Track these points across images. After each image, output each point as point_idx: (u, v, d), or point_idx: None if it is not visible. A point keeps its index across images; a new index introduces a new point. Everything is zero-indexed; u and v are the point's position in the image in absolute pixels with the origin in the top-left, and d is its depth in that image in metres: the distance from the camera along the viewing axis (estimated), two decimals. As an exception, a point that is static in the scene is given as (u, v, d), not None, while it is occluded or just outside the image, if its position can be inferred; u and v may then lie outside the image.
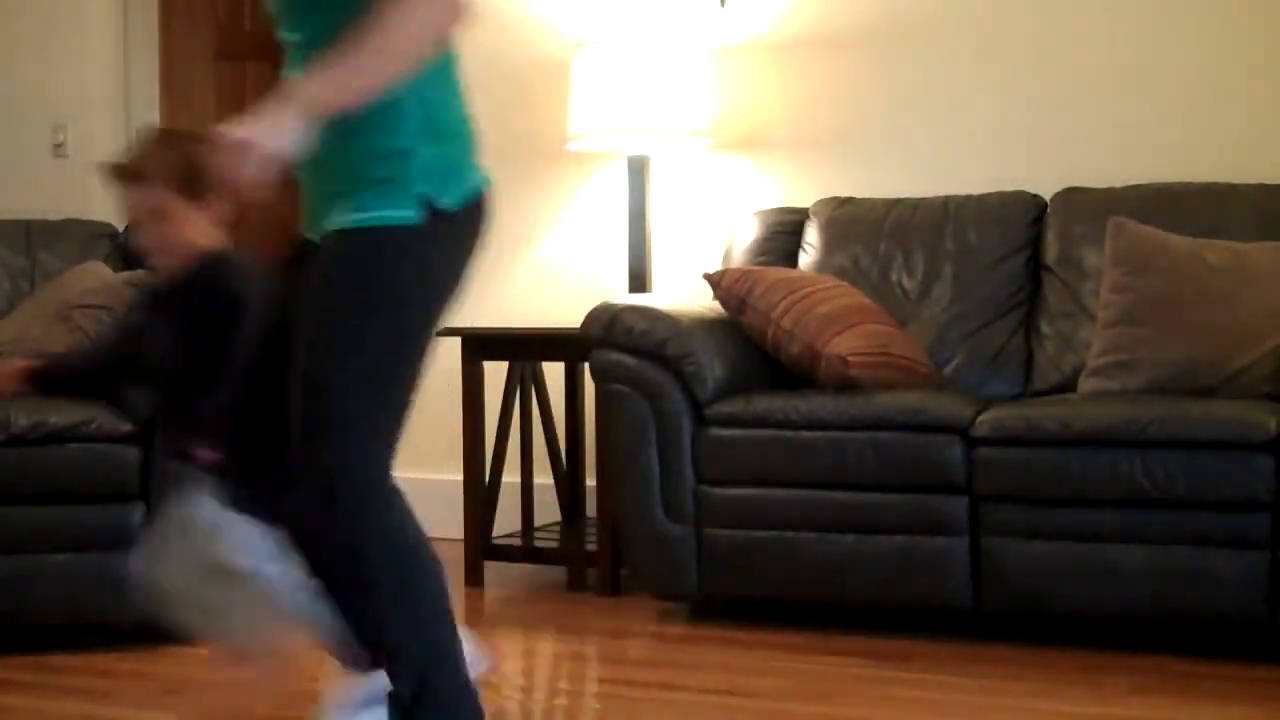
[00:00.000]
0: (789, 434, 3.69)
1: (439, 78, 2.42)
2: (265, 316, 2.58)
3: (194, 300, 2.65)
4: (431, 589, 2.41)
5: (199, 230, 2.67)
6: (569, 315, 4.42)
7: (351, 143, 2.32)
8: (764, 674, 3.36)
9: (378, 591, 2.36)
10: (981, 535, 3.54)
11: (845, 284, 4.11)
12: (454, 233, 2.40)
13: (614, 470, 3.95)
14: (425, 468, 5.14)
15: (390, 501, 2.41)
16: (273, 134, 2.18)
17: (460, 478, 4.45)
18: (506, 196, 5.18)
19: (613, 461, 3.96)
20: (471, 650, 2.67)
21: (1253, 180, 4.03)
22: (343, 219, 2.34)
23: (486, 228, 2.47)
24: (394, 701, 2.39)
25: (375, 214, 2.32)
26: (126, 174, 2.66)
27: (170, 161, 2.68)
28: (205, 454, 2.58)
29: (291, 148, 2.19)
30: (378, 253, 2.31)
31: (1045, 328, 4.09)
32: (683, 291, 4.53)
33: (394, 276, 2.32)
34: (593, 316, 3.92)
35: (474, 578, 4.37)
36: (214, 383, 2.61)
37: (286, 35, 2.47)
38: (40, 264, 4.31)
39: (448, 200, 2.36)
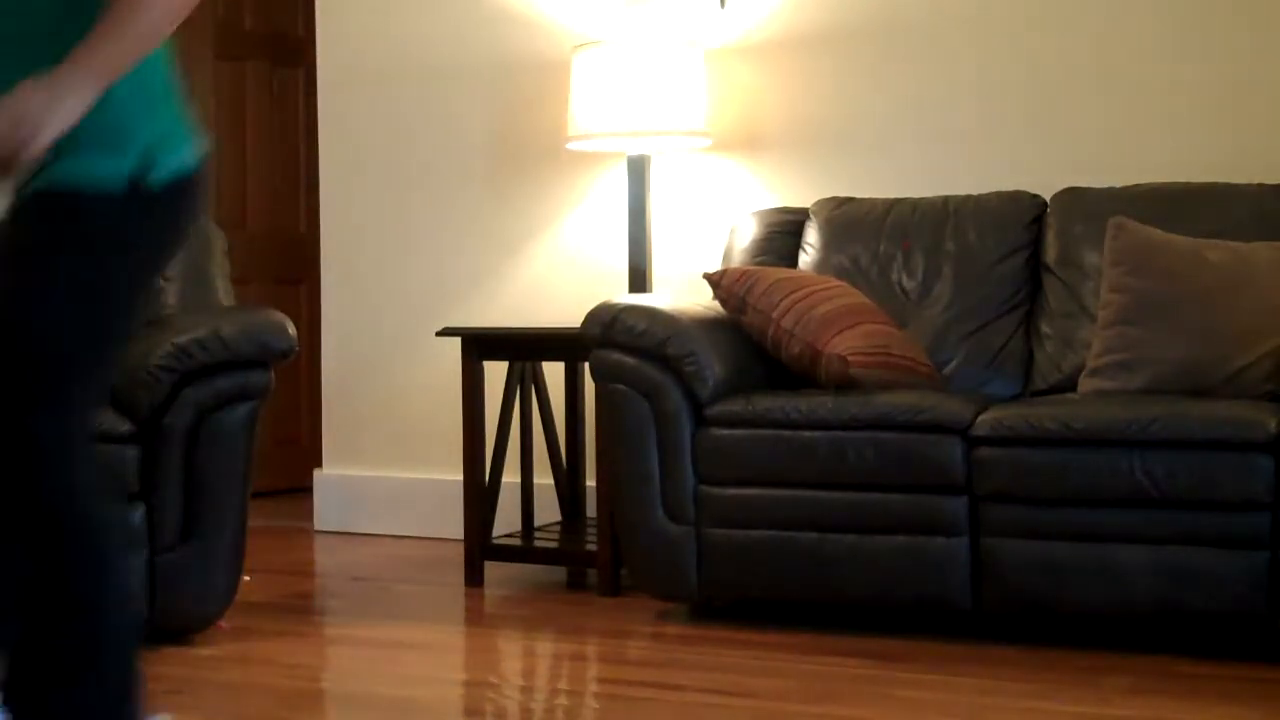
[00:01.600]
0: (789, 434, 3.69)
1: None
2: None
3: None
4: (100, 559, 2.19)
5: None
6: (569, 315, 4.42)
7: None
8: (764, 674, 3.37)
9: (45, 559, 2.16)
10: (981, 535, 3.54)
11: (845, 284, 4.11)
12: (155, 211, 2.28)
13: (614, 470, 3.95)
14: (425, 468, 5.16)
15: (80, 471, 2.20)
16: (55, 103, 2.07)
17: (460, 478, 4.45)
18: (507, 196, 5.23)
19: (613, 461, 3.96)
20: None
21: (1253, 180, 4.03)
22: (47, 176, 2.20)
23: (194, 207, 2.36)
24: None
25: (79, 178, 2.19)
26: None
27: None
28: None
29: (74, 119, 2.09)
30: (73, 219, 2.19)
31: (1045, 328, 4.10)
32: (683, 291, 4.53)
33: (85, 245, 2.19)
34: (593, 316, 3.92)
35: (474, 578, 4.37)
36: None
37: None
38: (40, 264, 4.29)
39: (155, 176, 2.26)
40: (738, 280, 4.01)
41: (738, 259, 4.41)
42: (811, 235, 4.37)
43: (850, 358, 3.76)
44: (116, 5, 2.15)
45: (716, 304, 4.08)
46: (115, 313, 2.26)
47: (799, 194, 4.59)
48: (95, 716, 2.21)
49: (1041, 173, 4.28)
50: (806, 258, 4.34)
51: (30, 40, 2.21)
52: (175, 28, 2.22)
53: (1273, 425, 3.32)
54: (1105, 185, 4.15)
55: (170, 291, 4.10)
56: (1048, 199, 4.22)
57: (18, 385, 2.12)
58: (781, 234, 4.43)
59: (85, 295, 2.20)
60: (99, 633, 2.20)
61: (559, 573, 4.47)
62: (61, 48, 2.14)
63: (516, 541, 4.49)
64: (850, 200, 4.41)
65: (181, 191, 2.35)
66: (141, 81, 2.25)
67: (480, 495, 4.41)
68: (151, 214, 2.28)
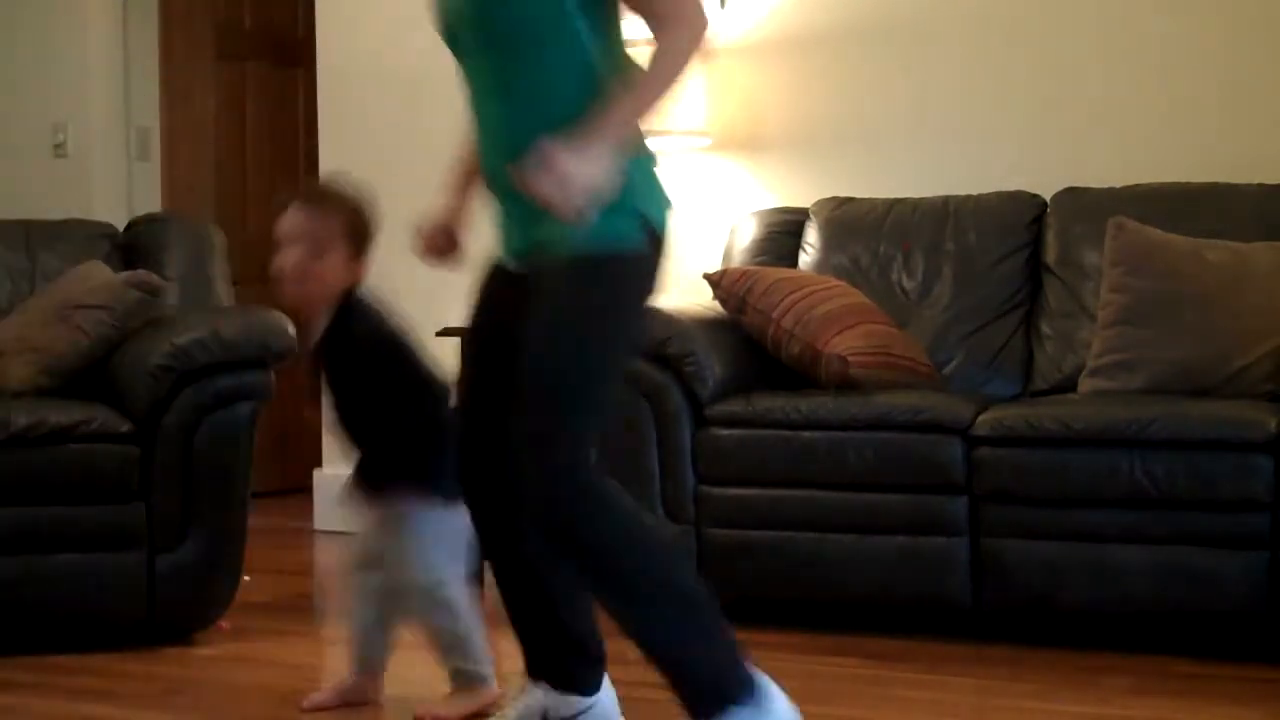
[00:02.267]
0: (789, 434, 3.69)
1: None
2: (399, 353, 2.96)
3: (339, 351, 2.93)
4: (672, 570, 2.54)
5: (338, 277, 2.92)
6: (569, 315, 4.41)
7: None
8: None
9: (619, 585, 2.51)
10: (981, 535, 3.54)
11: (845, 284, 4.11)
12: (659, 252, 2.52)
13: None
14: (425, 468, 5.15)
15: (609, 497, 2.50)
16: (583, 166, 2.27)
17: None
18: (506, 196, 5.19)
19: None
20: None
21: (1253, 180, 4.03)
22: (566, 241, 2.40)
23: (670, 247, 2.56)
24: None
25: (601, 238, 2.40)
26: (311, 194, 2.87)
27: (353, 206, 2.96)
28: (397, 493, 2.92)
29: (605, 176, 2.30)
30: (606, 277, 2.44)
31: (1045, 328, 4.09)
32: (683, 291, 4.53)
33: (619, 299, 2.46)
34: (593, 316, 3.92)
35: (474, 578, 4.36)
36: (375, 422, 2.92)
37: (473, 64, 2.64)
38: (40, 264, 4.30)
39: (656, 219, 2.49)
40: (738, 280, 4.01)
41: (738, 259, 4.41)
42: (811, 235, 4.37)
43: (850, 358, 3.76)
44: (631, 81, 2.41)
45: (716, 304, 4.08)
46: (621, 373, 2.59)
47: (799, 194, 4.59)
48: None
49: (1041, 173, 4.28)
50: (806, 258, 4.34)
51: (539, 102, 2.46)
52: (679, 85, 2.43)
53: (1273, 425, 3.32)
54: (1105, 185, 4.15)
55: (170, 291, 4.10)
56: (1048, 199, 4.22)
57: (546, 435, 2.39)
58: (781, 234, 4.42)
59: (608, 347, 2.47)
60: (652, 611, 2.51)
61: (559, 573, 4.46)
62: (566, 107, 2.39)
63: (516, 541, 4.48)
64: (850, 200, 4.41)
65: (663, 244, 2.55)
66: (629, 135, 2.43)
67: (480, 495, 4.40)
68: (655, 266, 2.52)
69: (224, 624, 3.74)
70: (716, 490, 3.77)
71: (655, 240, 2.49)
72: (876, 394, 3.71)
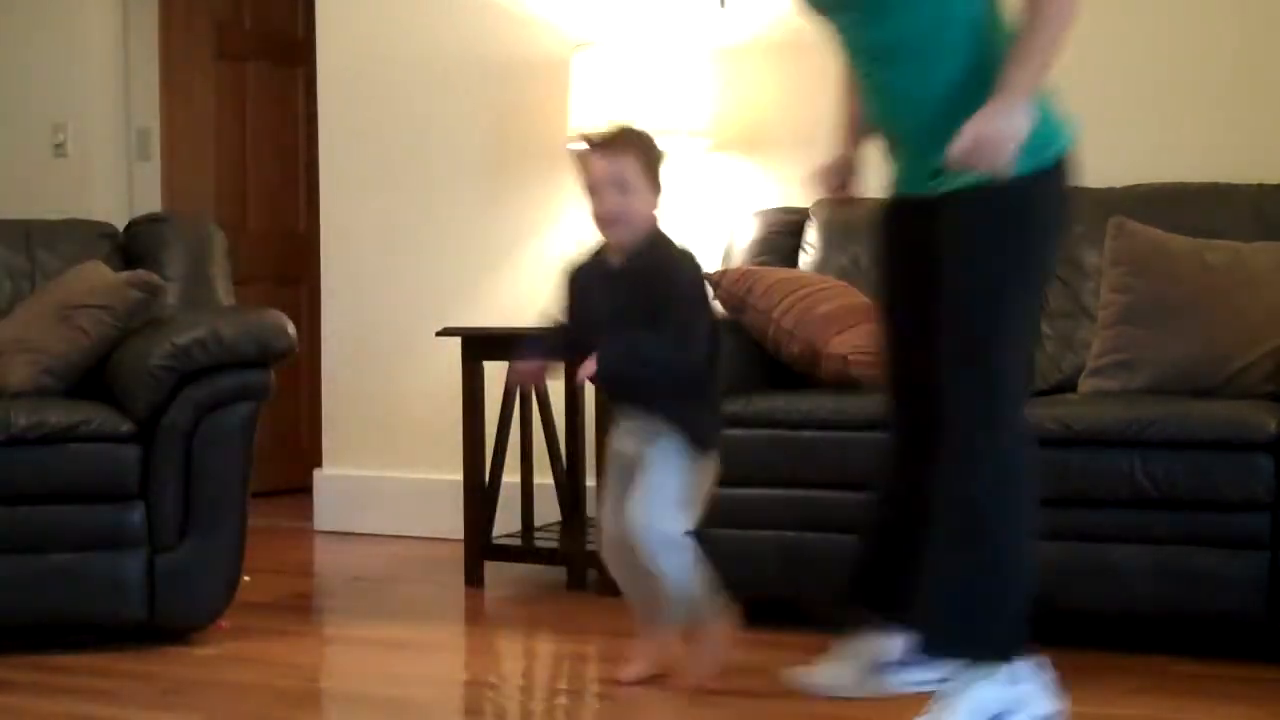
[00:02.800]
0: (789, 434, 3.69)
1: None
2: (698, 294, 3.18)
3: (645, 278, 3.12)
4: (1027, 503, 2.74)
5: (650, 208, 3.14)
6: (569, 315, 4.41)
7: (966, 105, 2.61)
8: (764, 674, 3.36)
9: (989, 547, 2.68)
10: (981, 535, 3.54)
11: (845, 284, 4.11)
12: (1062, 181, 2.70)
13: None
14: (425, 468, 5.15)
15: (1023, 457, 2.70)
16: (1012, 123, 2.55)
17: (460, 478, 4.45)
18: (506, 196, 5.23)
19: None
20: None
21: (1253, 180, 4.03)
22: (966, 177, 2.63)
23: (1075, 176, 2.75)
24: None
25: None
26: (605, 141, 3.14)
27: (644, 143, 3.18)
28: (587, 369, 3.09)
29: (1024, 134, 2.56)
30: (1012, 206, 2.63)
31: (1045, 328, 4.09)
32: (683, 291, 4.53)
33: (1029, 229, 2.64)
34: (593, 316, 3.92)
35: (474, 578, 4.37)
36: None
37: (857, 30, 2.80)
38: (40, 264, 4.30)
39: (1056, 148, 2.69)
40: (738, 280, 4.01)
41: (738, 259, 4.41)
42: (812, 235, 4.37)
43: (851, 357, 3.76)
44: (1026, 33, 2.61)
45: (717, 304, 4.08)
46: (1040, 304, 2.77)
47: (799, 194, 4.58)
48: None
49: (1041, 173, 4.27)
50: (807, 258, 4.34)
51: (934, 60, 2.70)
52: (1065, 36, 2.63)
53: (1273, 425, 3.32)
54: (1105, 185, 4.15)
55: (170, 291, 4.11)
56: (1048, 199, 4.21)
57: (981, 395, 2.63)
58: (782, 234, 4.42)
59: (1026, 297, 2.68)
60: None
61: (559, 573, 4.46)
62: (957, 59, 2.68)
63: (516, 541, 4.49)
64: (851, 200, 4.40)
65: (1068, 171, 2.76)
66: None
67: (480, 495, 4.41)
68: (1062, 193, 2.73)
69: (224, 624, 3.74)
70: (716, 490, 3.77)
71: (1060, 168, 2.71)
72: (877, 394, 3.70)
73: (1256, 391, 3.61)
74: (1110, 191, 4.12)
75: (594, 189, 3.17)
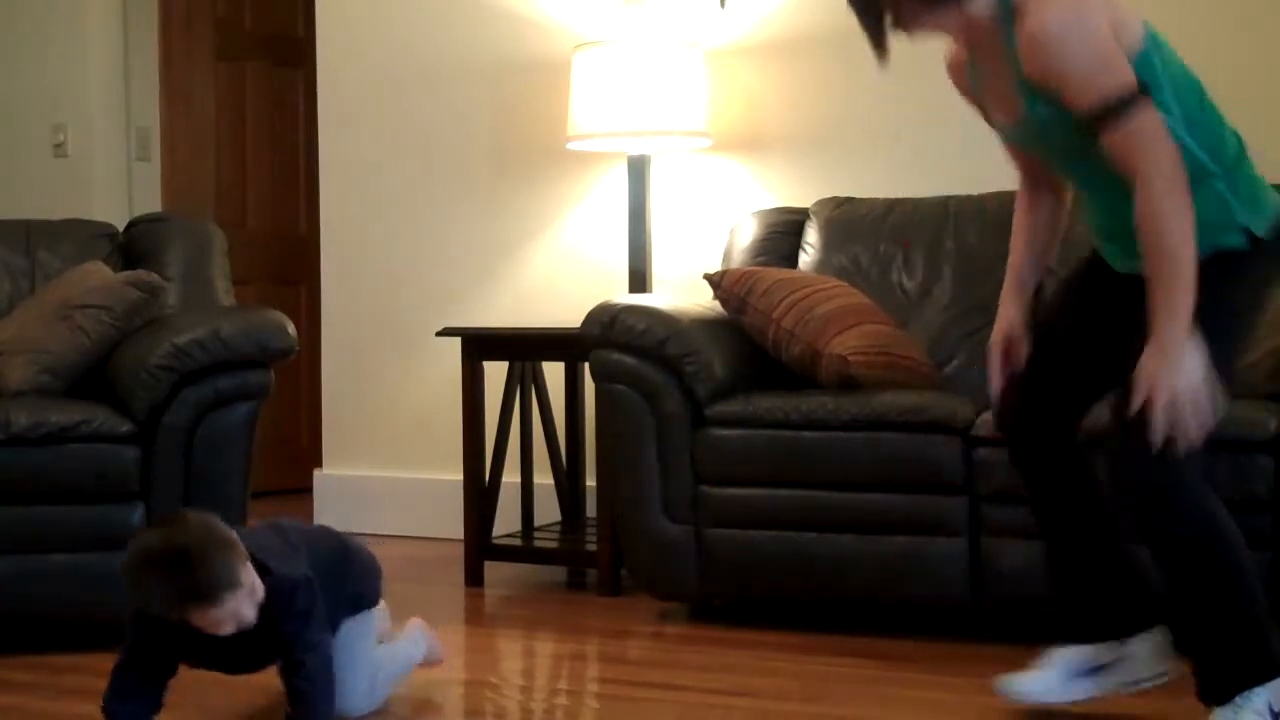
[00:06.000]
0: (789, 434, 3.69)
1: (1199, 118, 2.72)
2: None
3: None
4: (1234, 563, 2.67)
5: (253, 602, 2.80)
6: (569, 315, 4.42)
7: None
8: (764, 674, 3.36)
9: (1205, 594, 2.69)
10: (981, 535, 3.54)
11: (845, 284, 4.11)
12: (1269, 256, 2.71)
13: (614, 470, 3.95)
14: (425, 468, 5.16)
15: (1207, 501, 2.65)
16: (1182, 375, 2.53)
17: (460, 478, 4.45)
18: (507, 196, 5.23)
19: (613, 461, 3.96)
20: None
21: (1253, 180, 4.02)
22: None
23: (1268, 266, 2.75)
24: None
25: (1203, 247, 2.58)
26: (204, 591, 2.71)
27: (232, 566, 2.77)
28: None
29: (1195, 375, 2.54)
30: (1212, 280, 2.58)
31: (1045, 328, 4.09)
32: (683, 291, 4.53)
33: (1226, 300, 2.64)
34: (593, 316, 3.92)
35: (474, 578, 4.37)
36: None
37: (1067, 168, 2.89)
38: (40, 264, 4.31)
39: (1259, 226, 2.68)
40: (738, 281, 4.01)
41: (738, 259, 4.41)
42: (811, 235, 4.37)
43: (850, 358, 3.76)
44: (1154, 278, 2.57)
45: (716, 304, 4.08)
46: (1228, 357, 2.67)
47: (799, 194, 4.59)
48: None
49: (1041, 173, 4.28)
50: (807, 258, 4.34)
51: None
52: (1189, 230, 2.57)
53: (1273, 425, 3.32)
54: (1105, 185, 4.15)
55: (170, 291, 4.11)
56: (1048, 199, 4.21)
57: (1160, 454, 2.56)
58: (781, 234, 4.42)
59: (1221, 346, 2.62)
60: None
61: (559, 573, 4.47)
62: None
63: (516, 541, 4.49)
64: (850, 200, 4.41)
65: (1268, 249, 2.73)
66: (1209, 153, 2.71)
67: (480, 495, 4.41)
68: (1262, 270, 2.74)
69: (224, 624, 3.73)
70: (716, 490, 3.77)
71: (1259, 245, 2.69)
72: (876, 394, 3.70)
73: (1256, 391, 3.61)
74: (1110, 191, 4.12)
75: (215, 628, 2.79)
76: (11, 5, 5.88)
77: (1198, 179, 2.64)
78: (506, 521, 4.56)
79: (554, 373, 4.66)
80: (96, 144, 5.81)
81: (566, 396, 4.69)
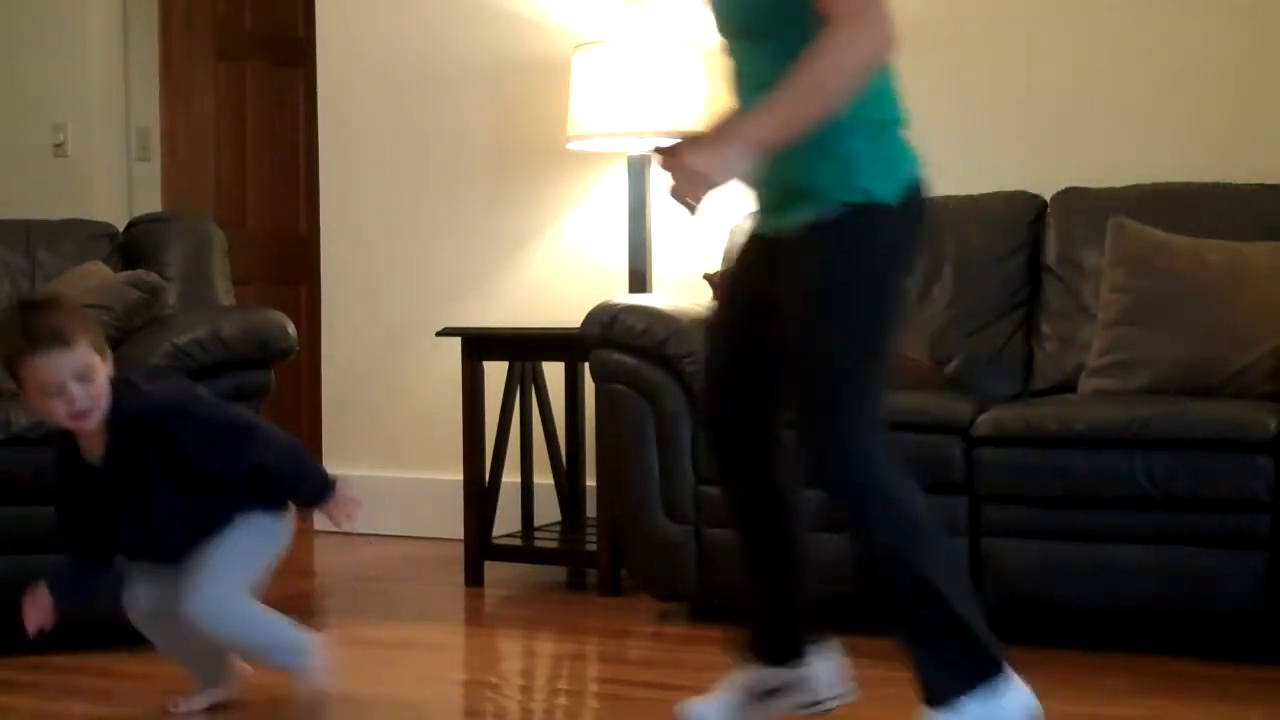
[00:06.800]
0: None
1: (888, 69, 2.56)
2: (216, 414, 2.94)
3: (143, 445, 2.88)
4: (944, 566, 2.62)
5: (105, 380, 2.84)
6: (569, 315, 4.42)
7: (806, 151, 2.47)
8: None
9: (905, 571, 2.59)
10: (981, 535, 3.54)
11: (845, 284, 4.11)
12: (906, 223, 2.56)
13: (614, 470, 3.95)
14: (425, 468, 5.15)
15: (894, 477, 2.56)
16: (720, 165, 2.39)
17: (460, 478, 4.45)
18: (506, 196, 5.22)
19: (613, 461, 3.96)
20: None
21: (1253, 180, 4.03)
22: (798, 218, 2.52)
23: (927, 211, 2.62)
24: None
25: (834, 212, 2.49)
26: (47, 337, 2.77)
27: (84, 316, 2.89)
28: None
29: (733, 179, 2.41)
30: (845, 251, 2.49)
31: (1045, 328, 4.09)
32: (683, 291, 4.53)
33: (865, 273, 2.50)
34: (593, 316, 3.92)
35: (474, 578, 4.37)
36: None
37: (738, 64, 2.62)
38: (40, 264, 4.31)
39: (898, 193, 2.53)
40: (738, 280, 4.00)
41: (738, 259, 4.40)
42: (811, 235, 4.36)
43: (850, 358, 3.75)
44: (784, 83, 2.39)
45: (716, 304, 4.07)
46: (880, 339, 2.53)
47: (799, 194, 4.59)
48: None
49: (1041, 173, 4.28)
50: (806, 258, 4.33)
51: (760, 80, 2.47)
52: (849, 94, 2.42)
53: (1273, 425, 3.32)
54: (1105, 185, 4.15)
55: (170, 291, 4.10)
56: (1048, 199, 4.22)
57: (824, 406, 2.48)
58: (781, 234, 4.42)
59: (853, 312, 2.49)
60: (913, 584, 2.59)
61: (559, 573, 4.47)
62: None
63: (516, 541, 4.49)
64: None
65: (914, 201, 2.58)
66: (864, 116, 2.50)
67: (480, 495, 4.41)
68: (895, 226, 2.54)
69: (224, 624, 3.73)
70: (716, 490, 3.77)
71: (889, 210, 2.53)
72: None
73: (1256, 391, 3.61)
74: (1110, 191, 4.12)
75: (53, 392, 2.79)
76: (11, 5, 5.88)
77: (883, 118, 2.56)
78: (506, 521, 4.56)
79: (554, 373, 4.66)
80: (96, 144, 5.81)
81: (566, 396, 4.69)
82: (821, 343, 2.49)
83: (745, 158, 2.40)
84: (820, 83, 2.38)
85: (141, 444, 2.87)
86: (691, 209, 2.47)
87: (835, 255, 2.49)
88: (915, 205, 2.57)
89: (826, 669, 2.89)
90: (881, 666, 3.40)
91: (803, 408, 2.52)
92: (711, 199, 2.45)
